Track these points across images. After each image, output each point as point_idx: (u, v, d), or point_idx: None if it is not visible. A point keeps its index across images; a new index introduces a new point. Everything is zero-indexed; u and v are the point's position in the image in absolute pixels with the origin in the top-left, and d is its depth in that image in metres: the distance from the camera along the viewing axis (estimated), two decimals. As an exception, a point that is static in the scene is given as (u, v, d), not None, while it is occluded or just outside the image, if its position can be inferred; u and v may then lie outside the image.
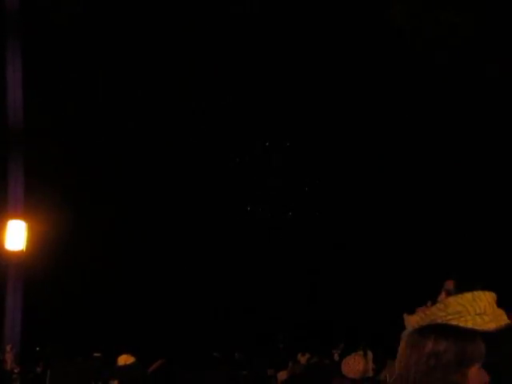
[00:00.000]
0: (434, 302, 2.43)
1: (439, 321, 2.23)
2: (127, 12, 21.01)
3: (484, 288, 2.35)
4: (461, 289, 2.41)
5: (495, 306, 2.23)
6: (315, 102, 23.71)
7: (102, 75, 22.17)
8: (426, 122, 21.83)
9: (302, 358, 13.67)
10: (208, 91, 23.32)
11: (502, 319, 2.23)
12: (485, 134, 20.49)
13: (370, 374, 5.32)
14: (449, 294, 2.43)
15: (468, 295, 2.23)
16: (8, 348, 10.87)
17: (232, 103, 24.20)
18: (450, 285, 2.54)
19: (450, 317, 2.22)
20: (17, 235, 10.86)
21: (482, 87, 19.83)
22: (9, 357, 10.37)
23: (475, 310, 2.20)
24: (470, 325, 2.18)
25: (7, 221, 11.95)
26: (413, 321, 2.35)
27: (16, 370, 9.51)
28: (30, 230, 11.52)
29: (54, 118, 22.44)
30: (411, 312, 2.43)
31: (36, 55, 18.59)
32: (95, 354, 11.79)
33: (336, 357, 13.77)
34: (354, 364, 5.10)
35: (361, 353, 5.51)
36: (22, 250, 11.01)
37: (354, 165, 24.09)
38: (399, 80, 21.61)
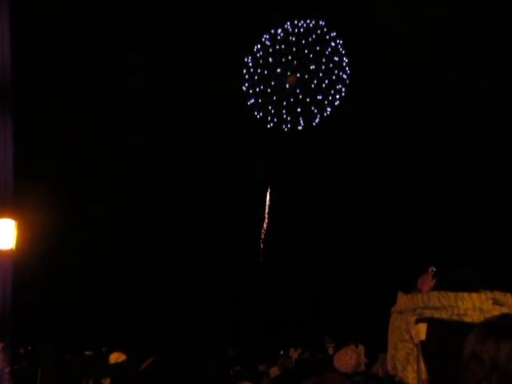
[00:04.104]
0: (436, 274, 2.42)
1: (417, 311, 2.24)
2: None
3: (472, 279, 2.33)
4: (438, 274, 2.41)
5: (486, 305, 2.20)
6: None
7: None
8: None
9: (294, 353, 13.65)
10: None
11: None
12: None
13: (363, 367, 5.32)
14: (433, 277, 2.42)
15: (451, 295, 2.21)
16: (-1, 347, 10.74)
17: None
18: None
19: (427, 310, 2.22)
20: (6, 234, 10.76)
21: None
22: (0, 356, 10.25)
23: (453, 311, 2.18)
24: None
25: (-4, 219, 11.84)
26: (400, 301, 2.35)
27: (7, 370, 9.40)
28: (20, 228, 11.41)
29: (45, 116, 22.30)
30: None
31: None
32: (86, 353, 11.72)
33: (331, 350, 13.74)
34: (347, 358, 5.08)
35: (353, 346, 5.48)
36: (12, 249, 10.91)
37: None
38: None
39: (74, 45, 21.85)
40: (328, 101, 27.68)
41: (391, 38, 20.16)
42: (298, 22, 28.12)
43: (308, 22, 28.05)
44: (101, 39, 21.93)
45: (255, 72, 28.39)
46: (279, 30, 28.16)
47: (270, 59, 28.16)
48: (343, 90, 27.73)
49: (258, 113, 28.59)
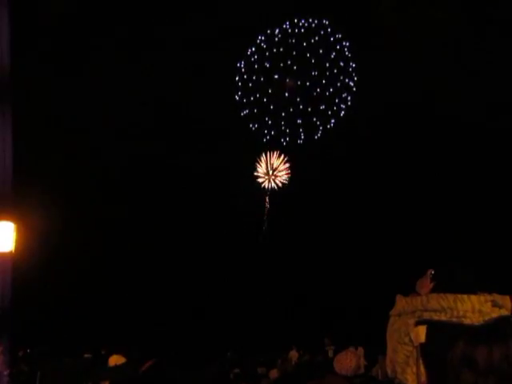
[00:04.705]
0: (435, 277, 2.43)
1: (416, 314, 2.25)
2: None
3: (472, 281, 2.34)
4: (437, 276, 2.42)
5: (485, 307, 2.20)
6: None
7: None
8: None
9: (294, 356, 13.65)
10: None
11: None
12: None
13: (362, 370, 5.32)
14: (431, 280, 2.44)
15: (450, 297, 2.21)
16: (-1, 350, 10.70)
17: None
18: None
19: (426, 313, 2.23)
20: (6, 237, 10.77)
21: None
22: (0, 358, 10.22)
23: (452, 313, 2.20)
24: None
25: (-4, 222, 11.85)
26: (399, 304, 2.36)
27: (6, 373, 9.39)
28: (20, 231, 11.43)
29: (45, 119, 22.28)
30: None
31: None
32: (85, 355, 11.72)
33: (331, 353, 13.75)
34: (346, 361, 5.08)
35: (352, 349, 5.48)
36: (11, 252, 10.92)
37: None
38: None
39: (75, 44, 21.84)
40: (332, 111, 24.34)
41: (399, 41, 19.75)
42: (299, 20, 24.17)
43: (310, 20, 24.09)
44: (102, 39, 21.92)
45: (249, 79, 24.63)
46: (277, 30, 24.40)
47: (267, 64, 24.41)
48: (349, 98, 24.26)
49: (253, 125, 25.01)
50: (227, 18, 21.85)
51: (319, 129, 24.44)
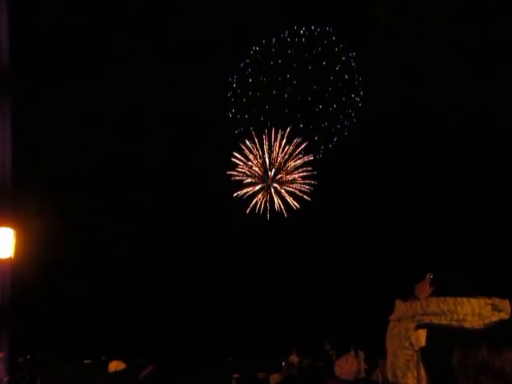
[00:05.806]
0: (434, 281, 2.43)
1: (416, 318, 2.25)
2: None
3: (469, 284, 2.34)
4: (436, 281, 2.42)
5: (485, 311, 2.21)
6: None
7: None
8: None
9: (294, 360, 13.62)
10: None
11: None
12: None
13: (363, 374, 5.31)
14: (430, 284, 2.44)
15: (450, 300, 2.22)
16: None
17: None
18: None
19: (426, 317, 2.23)
20: (5, 243, 10.77)
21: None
22: (1, 365, 10.21)
23: (452, 316, 2.20)
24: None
25: (-5, 228, 11.84)
26: (399, 309, 2.37)
27: (6, 379, 9.37)
28: (19, 237, 11.44)
29: (45, 124, 22.29)
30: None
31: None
32: (85, 361, 11.69)
33: (334, 357, 13.72)
34: (347, 365, 5.08)
35: (352, 353, 5.47)
36: (11, 258, 10.92)
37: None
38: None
39: (75, 44, 21.88)
40: (335, 129, 22.17)
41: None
42: (299, 28, 21.54)
43: (312, 28, 21.55)
44: (101, 40, 21.96)
45: (243, 94, 22.17)
46: (274, 40, 21.83)
47: (263, 78, 21.95)
48: (354, 115, 22.06)
49: (250, 143, 22.85)
50: (217, 27, 20.15)
51: (320, 147, 22.65)
